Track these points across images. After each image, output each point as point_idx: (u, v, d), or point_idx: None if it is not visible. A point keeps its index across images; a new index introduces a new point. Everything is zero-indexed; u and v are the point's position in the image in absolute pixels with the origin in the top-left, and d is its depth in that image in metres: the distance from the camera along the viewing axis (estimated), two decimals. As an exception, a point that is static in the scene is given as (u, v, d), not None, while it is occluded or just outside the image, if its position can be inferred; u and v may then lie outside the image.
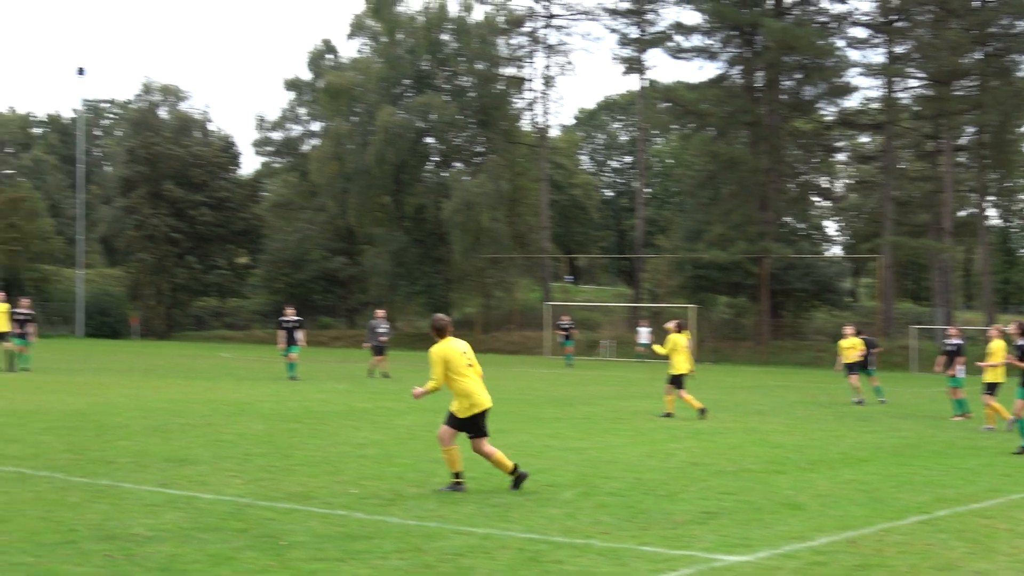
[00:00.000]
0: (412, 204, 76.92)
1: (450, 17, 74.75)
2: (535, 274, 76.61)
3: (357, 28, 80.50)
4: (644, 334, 53.50)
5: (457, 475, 12.37)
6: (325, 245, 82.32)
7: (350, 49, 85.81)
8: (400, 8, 75.49)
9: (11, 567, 8.29)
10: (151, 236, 79.49)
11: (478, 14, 75.53)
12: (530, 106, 77.52)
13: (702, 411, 22.87)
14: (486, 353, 64.77)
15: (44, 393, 24.66)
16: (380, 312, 36.69)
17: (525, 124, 79.80)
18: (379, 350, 35.36)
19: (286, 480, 12.78)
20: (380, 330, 35.42)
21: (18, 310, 33.85)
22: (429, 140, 76.83)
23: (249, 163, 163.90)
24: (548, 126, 78.06)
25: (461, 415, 12.43)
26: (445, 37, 75.22)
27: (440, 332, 12.84)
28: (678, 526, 10.68)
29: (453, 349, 12.63)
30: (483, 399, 12.58)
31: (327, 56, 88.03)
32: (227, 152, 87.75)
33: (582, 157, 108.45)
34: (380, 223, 77.92)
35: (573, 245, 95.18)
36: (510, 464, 12.59)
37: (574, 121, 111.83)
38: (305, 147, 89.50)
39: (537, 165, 75.97)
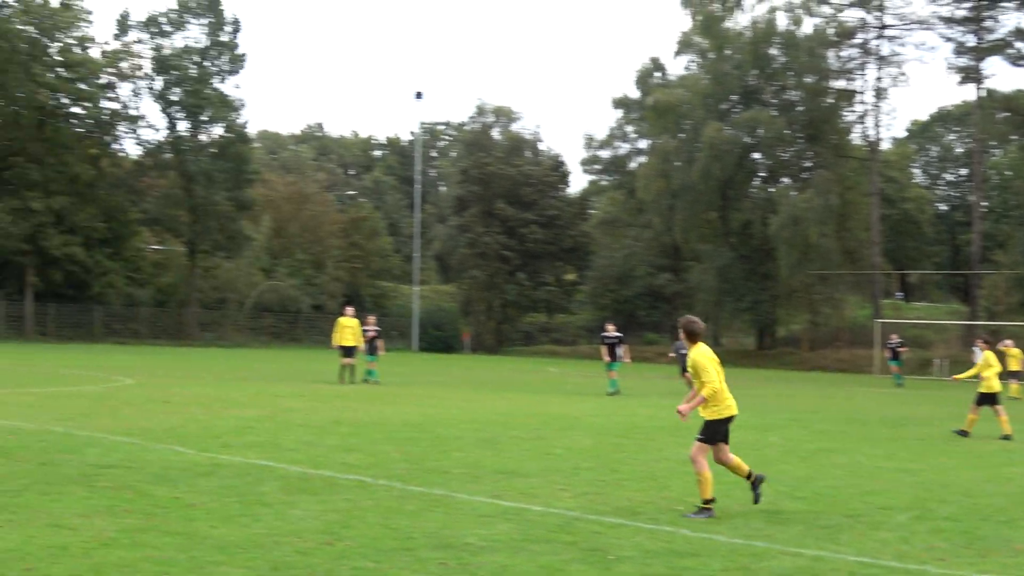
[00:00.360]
0: (738, 220, 76.26)
1: (779, 31, 73.72)
2: (864, 291, 74.58)
3: (685, 45, 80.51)
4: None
5: (708, 501, 11.77)
6: (651, 262, 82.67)
7: (677, 66, 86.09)
8: (728, 24, 75.05)
9: (353, 571, 8.67)
10: (483, 253, 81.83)
11: (807, 27, 74.27)
12: (860, 119, 75.61)
13: (1007, 437, 22.04)
14: (812, 371, 63.52)
15: (383, 405, 25.71)
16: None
17: (855, 138, 77.87)
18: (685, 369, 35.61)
19: (613, 494, 12.88)
20: (684, 351, 35.53)
21: (367, 327, 35.47)
22: (756, 155, 76.05)
23: (577, 181, 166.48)
24: (879, 139, 75.89)
25: (715, 417, 11.94)
26: (773, 51, 74.29)
27: (694, 336, 12.27)
28: (1019, 554, 10.18)
29: (711, 355, 12.11)
30: (734, 404, 12.14)
31: (655, 74, 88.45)
32: (557, 171, 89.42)
33: (915, 170, 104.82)
34: (706, 239, 77.62)
35: (905, 260, 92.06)
36: (746, 468, 12.20)
37: (906, 133, 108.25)
38: (632, 165, 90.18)
39: (867, 179, 73.98)
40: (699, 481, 11.85)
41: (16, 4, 68.56)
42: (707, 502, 11.75)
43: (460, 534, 10.19)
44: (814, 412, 28.40)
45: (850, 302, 76.11)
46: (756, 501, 12.14)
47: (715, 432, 11.98)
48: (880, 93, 73.96)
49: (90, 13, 72.45)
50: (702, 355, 12.03)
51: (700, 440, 11.95)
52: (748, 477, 12.20)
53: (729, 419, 12.05)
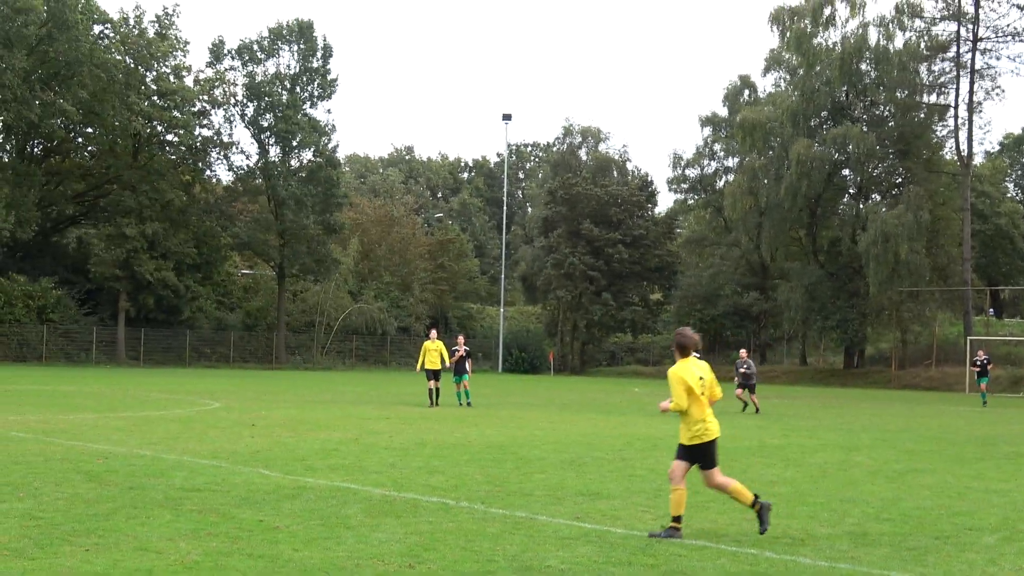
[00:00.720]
0: (827, 237, 75.60)
1: (870, 46, 72.80)
2: (955, 307, 73.31)
3: (773, 63, 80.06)
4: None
5: (677, 519, 11.45)
6: (738, 280, 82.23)
7: (765, 84, 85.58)
8: (818, 40, 74.33)
9: (433, 594, 8.73)
10: (569, 274, 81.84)
11: (898, 42, 73.23)
12: (953, 133, 74.44)
13: None
14: (901, 390, 62.66)
15: (467, 426, 25.80)
16: (743, 352, 37.86)
17: (947, 152, 76.79)
18: (743, 387, 36.42)
19: (696, 517, 12.79)
20: (741, 370, 36.27)
21: (456, 347, 35.54)
22: (845, 172, 75.28)
23: (664, 200, 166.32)
24: (972, 153, 74.60)
25: (688, 443, 11.57)
26: (864, 67, 73.43)
27: (683, 350, 11.83)
28: (1115, 580, 9.94)
29: (691, 371, 11.65)
30: (712, 427, 11.65)
31: (744, 92, 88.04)
32: (644, 191, 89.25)
33: (1008, 184, 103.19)
34: (793, 257, 77.09)
35: (997, 276, 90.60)
36: (750, 496, 11.64)
37: (999, 147, 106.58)
38: (719, 183, 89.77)
39: (959, 194, 72.78)
40: (672, 499, 11.56)
41: (114, 35, 70.06)
42: (676, 519, 11.45)
43: (541, 557, 10.17)
44: (903, 431, 28.00)
45: (941, 319, 74.87)
46: (763, 531, 11.58)
47: (692, 456, 11.61)
48: (973, 107, 72.83)
49: (187, 44, 73.70)
50: (675, 372, 11.63)
51: (678, 459, 11.70)
52: (753, 505, 11.67)
53: (709, 443, 11.63)
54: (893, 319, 71.26)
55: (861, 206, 75.05)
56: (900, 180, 74.56)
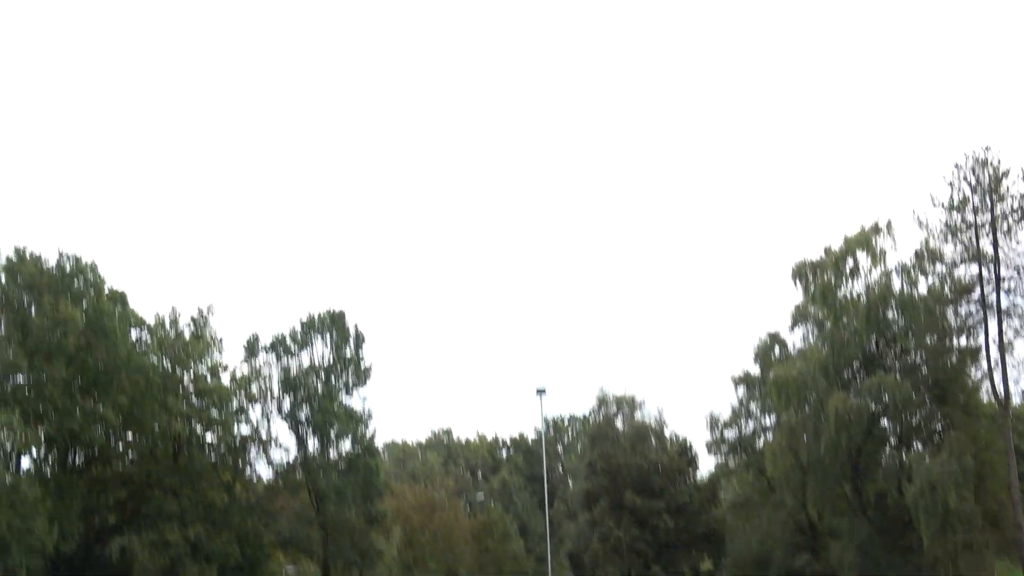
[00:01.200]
0: (872, 490, 74.35)
1: (895, 293, 73.26)
2: (1012, 554, 71.35)
3: (800, 317, 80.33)
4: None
5: None
6: (787, 540, 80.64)
7: (795, 338, 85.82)
8: (842, 292, 74.93)
9: None
10: (616, 548, 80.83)
11: (923, 287, 73.64)
12: (988, 375, 73.90)
13: None
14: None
15: None
16: None
17: (984, 394, 76.10)
18: None
19: None
20: None
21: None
22: (884, 422, 74.67)
23: (704, 462, 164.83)
24: (1009, 394, 73.90)
25: None
26: (890, 314, 73.69)
27: None
28: None
29: None
30: None
31: (774, 347, 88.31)
32: (684, 456, 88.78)
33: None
34: (841, 513, 75.67)
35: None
36: None
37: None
38: (759, 443, 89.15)
39: (1001, 436, 71.80)
40: None
41: (150, 339, 71.19)
42: None
43: None
44: None
45: (999, 568, 72.69)
46: None
47: None
48: (1005, 347, 72.41)
49: (220, 340, 74.62)
50: None
51: None
52: None
53: None
54: (951, 572, 69.14)
55: (904, 456, 74.03)
56: (940, 426, 73.69)
